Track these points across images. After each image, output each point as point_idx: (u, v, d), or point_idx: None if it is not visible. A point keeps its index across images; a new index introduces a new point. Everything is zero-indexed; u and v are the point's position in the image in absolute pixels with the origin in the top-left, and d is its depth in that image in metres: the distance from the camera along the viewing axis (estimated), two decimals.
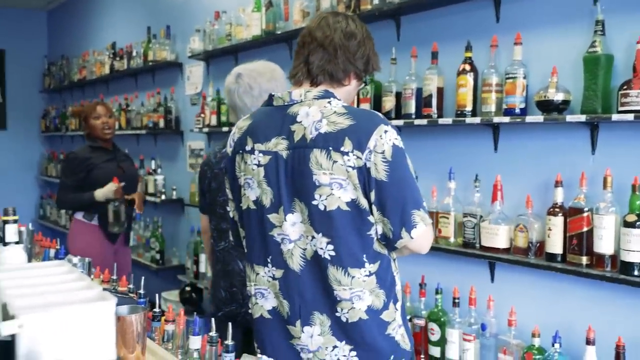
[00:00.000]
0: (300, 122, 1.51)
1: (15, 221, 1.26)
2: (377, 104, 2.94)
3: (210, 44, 4.17)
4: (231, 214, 1.73)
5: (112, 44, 5.74)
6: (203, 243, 2.73)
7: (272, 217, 1.53)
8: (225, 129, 3.97)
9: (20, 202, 7.09)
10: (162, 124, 4.81)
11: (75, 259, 2.16)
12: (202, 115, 4.28)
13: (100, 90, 6.20)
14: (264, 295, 1.58)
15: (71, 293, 1.01)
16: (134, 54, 5.24)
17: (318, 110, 1.51)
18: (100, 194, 3.47)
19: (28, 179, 7.61)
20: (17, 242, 1.28)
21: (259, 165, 1.55)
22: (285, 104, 1.57)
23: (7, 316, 0.90)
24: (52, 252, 2.68)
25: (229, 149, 1.67)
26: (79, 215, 3.59)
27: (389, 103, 2.86)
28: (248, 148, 1.59)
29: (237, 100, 2.25)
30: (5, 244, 1.29)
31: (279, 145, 1.53)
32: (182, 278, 4.48)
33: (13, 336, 0.84)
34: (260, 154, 1.56)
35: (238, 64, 4.14)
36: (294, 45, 3.67)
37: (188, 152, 4.79)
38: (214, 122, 4.11)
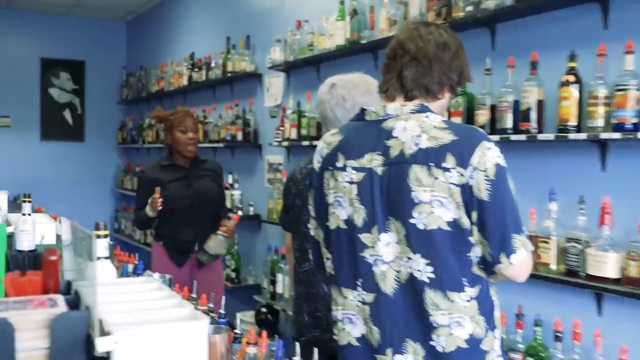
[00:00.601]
0: (397, 137, 1.53)
1: (105, 236, 1.33)
2: (469, 118, 2.91)
3: (292, 55, 4.26)
4: (312, 233, 1.75)
5: (191, 55, 5.96)
6: (287, 262, 2.77)
7: (364, 237, 1.54)
8: (305, 143, 4.04)
9: (95, 215, 7.42)
10: (240, 136, 4.94)
11: (156, 275, 2.25)
12: (282, 128, 4.37)
13: (177, 101, 6.44)
14: (352, 321, 1.59)
15: (164, 311, 1.06)
16: (213, 64, 5.42)
17: (416, 125, 1.52)
18: (147, 208, 3.48)
19: (104, 191, 7.98)
20: (106, 258, 1.36)
21: (351, 182, 1.58)
22: (379, 118, 1.59)
23: (102, 332, 0.96)
24: (130, 267, 2.80)
25: (316, 165, 1.70)
26: (152, 236, 3.72)
27: (482, 117, 2.83)
28: (339, 165, 1.61)
29: (327, 112, 2.28)
30: (93, 259, 1.36)
31: (374, 161, 1.55)
32: (258, 298, 4.55)
33: (109, 353, 0.90)
34: (353, 171, 1.58)
35: (320, 75, 4.21)
36: (380, 55, 3.70)
37: (266, 167, 4.89)
38: (293, 135, 4.19)
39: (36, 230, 2.39)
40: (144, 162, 7.35)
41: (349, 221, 1.58)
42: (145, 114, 7.34)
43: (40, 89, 7.68)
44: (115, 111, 8.12)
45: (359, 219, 1.56)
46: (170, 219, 3.55)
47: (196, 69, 5.74)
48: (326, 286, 2.32)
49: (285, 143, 4.31)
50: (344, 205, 1.59)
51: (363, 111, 1.65)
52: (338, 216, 1.61)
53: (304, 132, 4.11)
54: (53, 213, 3.76)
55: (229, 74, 5.10)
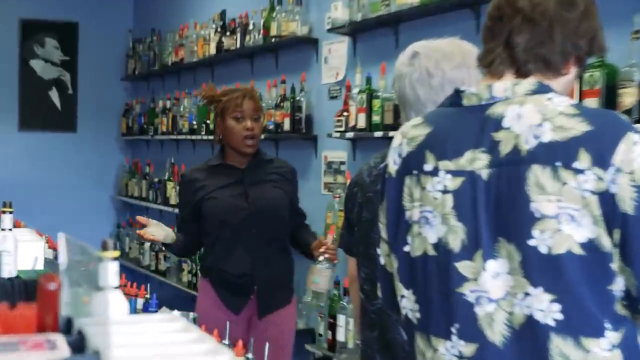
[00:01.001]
0: (509, 127, 1.55)
1: (116, 258, 1.41)
2: (610, 99, 2.90)
3: (360, 12, 4.31)
4: (382, 261, 1.78)
5: (221, 14, 6.09)
6: (351, 298, 2.79)
7: (463, 267, 1.57)
8: (377, 133, 4.08)
9: (90, 232, 7.57)
10: (287, 125, 5.02)
11: (176, 313, 2.33)
12: (346, 113, 4.42)
13: (202, 77, 6.57)
14: None
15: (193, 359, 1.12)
16: (251, 26, 5.52)
17: (535, 111, 1.53)
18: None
19: (102, 199, 8.22)
20: (117, 287, 1.42)
21: (445, 191, 1.60)
22: (483, 102, 1.62)
23: None
24: (139, 302, 2.90)
25: (392, 168, 1.73)
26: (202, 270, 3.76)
27: (629, 97, 2.81)
28: (428, 167, 1.64)
29: (407, 91, 2.29)
30: (99, 288, 1.43)
31: (477, 161, 1.57)
32: (311, 348, 4.60)
33: None
34: (448, 176, 1.60)
35: (398, 40, 4.25)
36: (484, 12, 3.70)
37: (323, 167, 4.95)
38: (362, 123, 4.23)
39: (19, 250, 2.51)
40: (156, 160, 7.53)
41: (440, 245, 1.60)
42: (158, 94, 7.52)
43: (18, 61, 7.94)
44: (118, 91, 8.33)
45: (456, 242, 1.58)
46: (218, 243, 3.53)
47: (228, 33, 5.86)
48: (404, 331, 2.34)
49: (350, 134, 4.35)
50: (434, 223, 1.62)
51: (459, 93, 1.67)
52: (425, 239, 1.63)
53: (376, 118, 4.15)
54: (35, 228, 3.90)
55: (273, 40, 5.20)
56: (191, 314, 2.43)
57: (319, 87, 5.03)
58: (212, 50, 6.07)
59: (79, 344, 1.26)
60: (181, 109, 6.68)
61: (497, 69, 1.65)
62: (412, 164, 1.67)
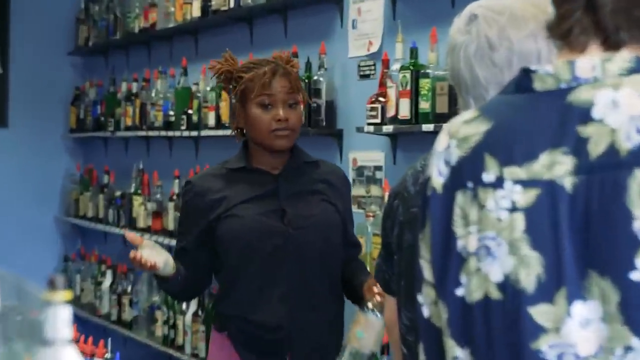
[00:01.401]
0: (602, 119, 1.56)
1: (67, 302, 1.42)
2: None
3: None
4: (426, 312, 1.78)
5: None
6: (392, 349, 2.80)
7: (540, 313, 1.57)
8: (427, 127, 4.10)
9: (27, 267, 7.61)
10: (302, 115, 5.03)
11: None
12: (382, 99, 4.44)
13: (183, 50, 6.61)
14: None
15: None
16: None
17: (637, 96, 1.55)
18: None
19: (43, 221, 8.25)
20: (70, 341, 1.43)
21: (513, 209, 1.60)
22: (562, 86, 1.63)
23: None
24: None
25: (436, 180, 1.73)
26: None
27: None
28: (489, 178, 1.63)
29: (462, 68, 2.32)
30: (46, 343, 1.46)
31: (557, 166, 1.58)
32: None
33: None
34: (517, 187, 1.60)
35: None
36: None
37: (352, 174, 4.97)
38: (405, 112, 4.25)
39: None
40: (118, 165, 7.56)
41: (507, 285, 1.60)
42: (119, 71, 7.55)
43: None
44: (66, 70, 8.39)
45: (529, 279, 1.58)
46: (241, 281, 3.45)
47: None
48: None
49: (389, 128, 4.37)
50: (498, 254, 1.61)
51: (528, 73, 1.68)
52: (486, 276, 1.62)
53: (424, 106, 4.18)
54: None
55: None
56: None
57: (344, 62, 5.06)
58: (196, 12, 6.10)
59: None
60: (153, 95, 6.72)
61: (578, 40, 1.64)
62: (466, 173, 1.67)
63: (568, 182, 1.55)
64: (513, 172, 1.61)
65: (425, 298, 1.77)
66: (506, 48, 2.26)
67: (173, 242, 5.97)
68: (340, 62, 5.09)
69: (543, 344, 1.57)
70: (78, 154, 8.37)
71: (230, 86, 3.61)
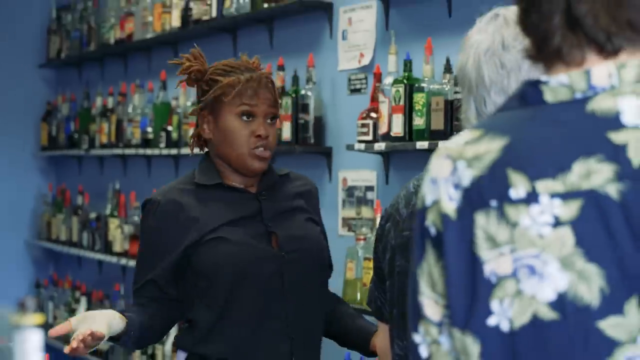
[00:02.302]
0: (637, 125, 1.59)
1: (39, 326, 1.43)
2: None
3: None
4: (423, 354, 1.78)
5: None
6: None
7: (611, 327, 1.60)
8: (422, 144, 4.10)
9: None
10: (286, 132, 5.05)
11: None
12: (374, 115, 4.45)
13: (161, 61, 6.61)
14: None
15: None
16: None
17: None
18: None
19: (13, 245, 8.26)
20: None
21: (557, 224, 1.62)
22: (577, 96, 1.65)
23: None
24: None
25: (447, 206, 1.71)
26: (180, 358, 3.29)
27: None
28: (517, 194, 1.64)
29: (468, 67, 2.35)
30: None
31: (594, 175, 1.60)
32: None
33: None
34: (556, 201, 1.62)
35: (452, 5, 4.28)
36: None
37: (342, 194, 4.99)
38: (398, 129, 4.26)
39: None
40: (93, 186, 7.56)
41: (566, 302, 1.62)
42: (94, 85, 7.56)
43: None
44: (36, 83, 8.42)
45: (592, 293, 1.60)
46: (230, 319, 3.19)
47: None
48: None
49: (381, 145, 4.37)
50: (547, 272, 1.63)
51: (536, 86, 1.69)
52: (532, 297, 1.64)
53: (419, 122, 4.18)
54: None
55: (266, 5, 5.26)
56: None
57: (333, 75, 5.08)
58: (176, 21, 6.13)
59: None
60: (130, 110, 6.74)
61: (572, 56, 1.67)
62: (488, 192, 1.67)
63: (612, 190, 1.57)
64: (547, 185, 1.62)
65: (425, 337, 1.75)
66: (519, 51, 2.27)
67: None
68: (329, 76, 5.11)
69: (620, 358, 1.60)
70: (50, 173, 8.39)
71: (202, 87, 3.33)
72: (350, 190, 4.94)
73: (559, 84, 1.66)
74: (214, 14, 5.71)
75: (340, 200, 4.99)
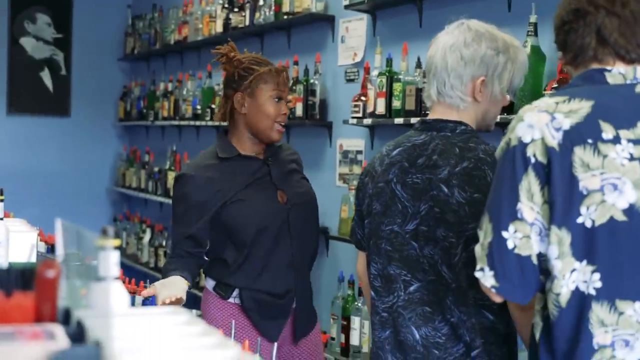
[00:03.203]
0: None
1: (117, 247, 1.44)
2: None
3: None
4: (510, 245, 1.92)
5: None
6: (363, 294, 2.85)
7: None
8: (398, 120, 4.11)
9: (84, 225, 7.65)
10: (299, 110, 5.06)
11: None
12: (364, 98, 4.46)
13: (208, 57, 6.54)
14: (628, 344, 1.81)
15: (200, 352, 1.15)
16: (261, 2, 5.55)
17: None
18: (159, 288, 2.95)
19: (96, 190, 8.29)
20: (117, 278, 1.46)
21: (632, 158, 1.85)
22: (627, 82, 1.94)
23: None
24: (138, 299, 2.95)
25: (551, 142, 1.88)
26: (210, 284, 3.27)
27: None
28: (608, 136, 1.87)
29: (437, 56, 2.45)
30: (99, 279, 1.47)
31: None
32: (324, 354, 4.64)
33: None
34: (630, 144, 1.86)
35: (422, 16, 4.28)
36: None
37: (339, 156, 4.99)
38: (381, 109, 4.27)
39: (10, 241, 2.56)
40: (156, 147, 7.58)
41: (633, 210, 1.82)
42: (159, 75, 7.57)
43: (7, 39, 7.99)
44: (116, 72, 8.41)
45: None
46: (252, 258, 3.18)
47: (236, 9, 5.90)
48: (417, 330, 2.38)
49: (369, 121, 4.38)
50: (625, 189, 1.83)
51: (602, 72, 1.95)
52: (612, 205, 1.83)
53: (396, 104, 4.18)
54: (24, 219, 3.94)
55: (285, 17, 5.24)
56: (194, 311, 2.47)
57: (334, 69, 5.07)
58: (219, 28, 6.10)
59: (78, 335, 1.30)
60: (184, 92, 6.73)
61: (606, 59, 1.97)
62: (585, 133, 1.88)
63: None
64: (625, 133, 1.86)
65: (515, 233, 1.91)
66: (474, 49, 2.41)
67: None
68: (331, 69, 5.09)
69: None
70: (125, 138, 8.40)
71: (237, 73, 3.22)
72: (345, 153, 4.94)
73: (618, 72, 1.95)
74: (247, 22, 5.70)
75: (337, 160, 5.00)
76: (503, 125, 3.64)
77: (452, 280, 2.35)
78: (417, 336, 2.38)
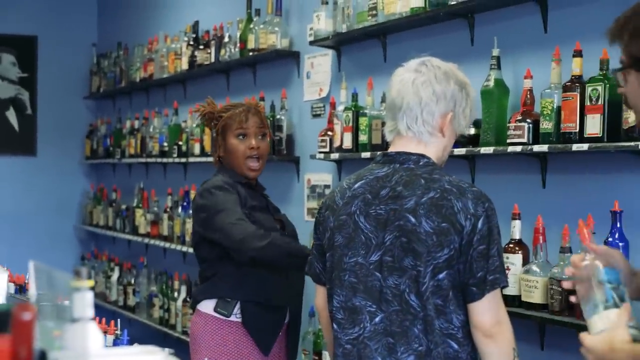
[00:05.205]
0: None
1: (91, 288, 1.43)
2: (613, 116, 2.98)
3: (345, 23, 4.37)
4: None
5: (193, 26, 6.14)
6: (322, 327, 2.86)
7: None
8: (365, 154, 4.12)
9: (52, 264, 7.59)
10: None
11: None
12: (330, 133, 4.47)
13: (174, 94, 6.62)
14: None
15: None
16: (226, 39, 5.58)
17: None
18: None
19: (64, 229, 8.22)
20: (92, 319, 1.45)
21: None
22: None
23: None
24: (109, 339, 2.93)
25: None
26: (208, 306, 3.40)
27: (633, 115, 2.87)
28: None
29: (409, 93, 2.49)
30: (74, 320, 1.46)
31: None
32: None
33: None
34: None
35: (386, 51, 4.32)
36: (478, 22, 3.77)
37: (307, 191, 5.00)
38: (348, 143, 4.28)
39: None
40: (123, 185, 7.54)
41: None
42: (125, 113, 7.55)
43: None
44: (82, 110, 8.37)
45: None
46: (254, 272, 3.36)
47: (201, 47, 5.92)
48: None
49: (336, 155, 4.39)
50: None
51: None
52: None
53: (362, 138, 4.20)
54: None
55: (251, 54, 5.25)
56: (167, 350, 2.45)
57: (300, 104, 5.08)
58: (185, 65, 6.11)
59: None
60: (151, 130, 6.71)
61: None
62: None
63: None
64: None
65: None
66: (444, 86, 2.47)
67: (167, 245, 6.00)
68: (297, 104, 5.10)
69: None
70: (92, 176, 8.35)
71: (212, 123, 3.56)
72: (312, 188, 4.95)
73: None
74: (213, 60, 5.71)
75: (305, 195, 5.00)
76: (469, 158, 3.68)
77: (420, 308, 2.38)
78: None
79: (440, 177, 2.43)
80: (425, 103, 2.46)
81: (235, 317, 3.36)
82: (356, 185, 2.53)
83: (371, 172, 2.54)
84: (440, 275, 2.35)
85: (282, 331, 3.47)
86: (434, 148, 2.51)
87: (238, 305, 3.36)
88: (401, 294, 2.39)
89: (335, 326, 2.53)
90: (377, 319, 2.43)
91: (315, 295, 2.74)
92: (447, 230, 2.33)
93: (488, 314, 2.37)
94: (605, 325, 1.95)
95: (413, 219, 2.38)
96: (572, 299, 2.16)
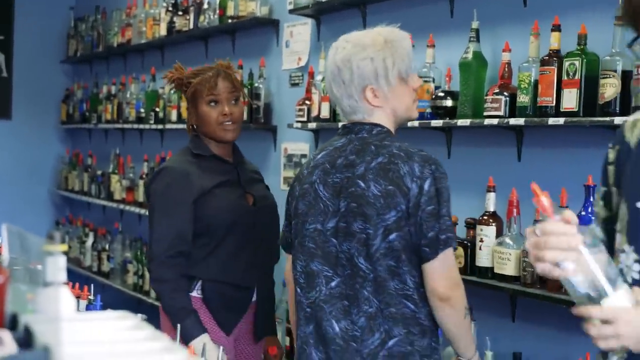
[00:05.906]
0: None
1: (65, 253, 1.43)
2: (590, 91, 2.99)
3: None
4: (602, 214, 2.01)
5: None
6: (288, 295, 2.94)
7: None
8: (342, 123, 4.12)
9: (26, 229, 7.57)
10: (244, 114, 5.04)
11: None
12: (308, 102, 4.47)
13: (152, 60, 6.58)
14: None
15: (147, 356, 1.16)
16: (205, 5, 5.55)
17: None
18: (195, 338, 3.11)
19: (38, 193, 8.18)
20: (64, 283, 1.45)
21: None
22: None
23: None
24: (82, 304, 2.93)
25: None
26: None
27: (610, 89, 2.90)
28: None
29: (328, 87, 2.65)
30: (46, 285, 1.46)
31: None
32: None
33: None
34: None
35: (366, 21, 4.31)
36: None
37: (283, 160, 5.00)
38: (325, 112, 4.29)
39: None
40: (99, 150, 7.52)
41: None
42: (102, 78, 7.50)
43: None
44: (58, 74, 8.31)
45: None
46: (219, 251, 3.31)
47: (180, 13, 5.88)
48: (337, 323, 2.49)
49: (313, 124, 4.39)
50: None
51: None
52: None
53: None
54: None
55: (230, 21, 5.23)
56: (139, 315, 2.45)
57: (279, 73, 5.08)
58: (163, 31, 6.08)
59: (26, 341, 1.29)
60: (127, 95, 6.67)
61: None
62: None
63: None
64: None
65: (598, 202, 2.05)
66: (348, 69, 2.53)
67: (142, 211, 5.98)
68: (275, 73, 5.10)
69: None
70: (67, 141, 8.31)
71: (183, 89, 3.43)
72: (289, 157, 4.96)
73: None
74: (192, 26, 5.68)
75: (282, 164, 5.01)
76: (445, 130, 3.69)
77: (369, 271, 2.47)
78: (337, 329, 2.51)
79: (391, 144, 2.51)
80: (340, 93, 2.58)
81: (197, 292, 3.30)
82: (319, 156, 2.63)
83: (332, 143, 2.65)
84: (391, 237, 2.44)
85: (250, 310, 3.38)
86: (381, 115, 2.58)
87: (199, 283, 3.30)
88: (351, 257, 2.49)
89: (298, 290, 2.63)
90: (332, 284, 2.53)
91: (286, 265, 2.81)
92: (394, 192, 2.43)
93: (443, 280, 2.45)
94: (631, 298, 1.70)
95: (362, 184, 2.48)
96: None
